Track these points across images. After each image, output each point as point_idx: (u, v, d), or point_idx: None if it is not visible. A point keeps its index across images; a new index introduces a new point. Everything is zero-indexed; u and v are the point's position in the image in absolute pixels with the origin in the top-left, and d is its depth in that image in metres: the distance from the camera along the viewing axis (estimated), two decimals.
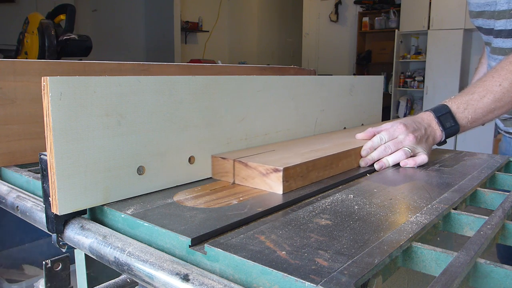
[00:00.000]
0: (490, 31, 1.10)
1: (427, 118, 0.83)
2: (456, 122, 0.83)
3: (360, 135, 0.86)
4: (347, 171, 0.75)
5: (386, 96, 5.07)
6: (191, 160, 0.66)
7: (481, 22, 1.12)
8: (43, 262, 0.61)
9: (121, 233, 0.50)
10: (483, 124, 0.89)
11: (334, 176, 0.71)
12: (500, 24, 1.05)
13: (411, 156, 0.79)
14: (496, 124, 1.24)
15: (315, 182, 0.67)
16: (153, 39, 5.64)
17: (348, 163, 0.76)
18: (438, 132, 0.82)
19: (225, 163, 0.67)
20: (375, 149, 0.80)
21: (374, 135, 0.83)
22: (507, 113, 0.89)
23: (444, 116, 0.83)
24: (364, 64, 6.13)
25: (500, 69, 0.85)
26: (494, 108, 0.84)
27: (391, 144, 0.79)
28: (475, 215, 0.55)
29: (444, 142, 0.85)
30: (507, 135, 1.19)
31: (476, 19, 1.14)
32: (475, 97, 0.84)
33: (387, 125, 0.83)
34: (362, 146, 0.80)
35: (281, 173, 0.59)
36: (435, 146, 0.86)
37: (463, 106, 0.84)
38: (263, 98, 0.79)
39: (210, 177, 0.69)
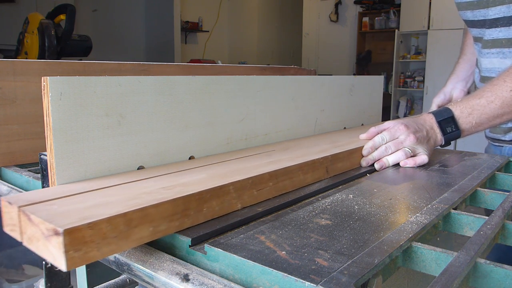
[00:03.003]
0: (482, 23, 1.01)
1: (429, 120, 0.83)
2: (458, 127, 0.81)
3: (363, 136, 0.86)
4: (348, 171, 0.75)
5: (386, 96, 5.07)
6: (191, 160, 0.66)
7: (470, 14, 1.04)
8: (43, 262, 0.61)
9: None
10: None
11: (334, 176, 0.71)
12: (496, 12, 0.96)
13: (411, 156, 0.79)
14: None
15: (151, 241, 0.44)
16: (153, 39, 5.64)
17: (225, 202, 0.52)
18: (439, 136, 0.82)
19: (11, 211, 0.43)
20: (376, 149, 0.80)
21: (377, 134, 0.83)
22: None
23: (446, 120, 0.81)
24: (364, 64, 6.13)
25: None
26: (502, 113, 0.81)
27: (391, 144, 0.79)
28: (475, 215, 0.55)
29: (448, 144, 0.84)
30: (493, 142, 1.11)
31: (465, 12, 1.05)
32: (482, 102, 0.81)
33: (389, 123, 0.82)
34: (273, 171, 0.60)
35: (61, 238, 0.36)
36: (438, 147, 0.86)
37: (467, 111, 0.81)
38: (263, 98, 0.79)
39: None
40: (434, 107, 1.19)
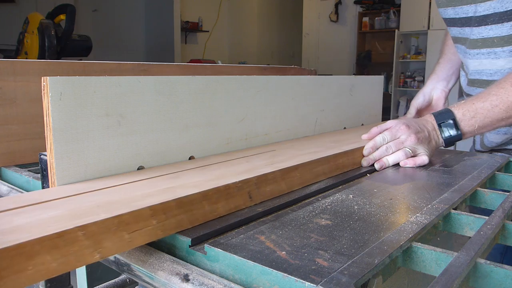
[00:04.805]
0: (467, 21, 0.94)
1: (431, 122, 0.82)
2: (460, 129, 0.80)
3: (365, 136, 0.86)
4: (348, 171, 0.75)
5: (386, 96, 5.07)
6: (191, 160, 0.66)
7: (452, 12, 0.96)
8: None
9: None
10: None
11: (334, 176, 0.71)
12: (486, 8, 0.89)
13: (412, 157, 0.79)
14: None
15: None
16: (153, 39, 5.64)
17: (71, 255, 0.36)
18: (440, 138, 0.82)
19: None
20: (377, 149, 0.80)
21: (379, 134, 0.82)
22: None
23: (446, 123, 0.81)
24: (364, 64, 6.13)
25: None
26: (507, 117, 0.79)
27: (392, 144, 0.79)
28: (475, 215, 0.55)
29: (451, 144, 0.83)
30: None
31: (445, 9, 0.98)
32: (486, 106, 0.79)
33: (391, 123, 0.82)
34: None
35: None
36: (441, 147, 0.86)
37: (470, 114, 0.80)
38: (263, 98, 0.79)
39: None
40: (412, 111, 1.12)
